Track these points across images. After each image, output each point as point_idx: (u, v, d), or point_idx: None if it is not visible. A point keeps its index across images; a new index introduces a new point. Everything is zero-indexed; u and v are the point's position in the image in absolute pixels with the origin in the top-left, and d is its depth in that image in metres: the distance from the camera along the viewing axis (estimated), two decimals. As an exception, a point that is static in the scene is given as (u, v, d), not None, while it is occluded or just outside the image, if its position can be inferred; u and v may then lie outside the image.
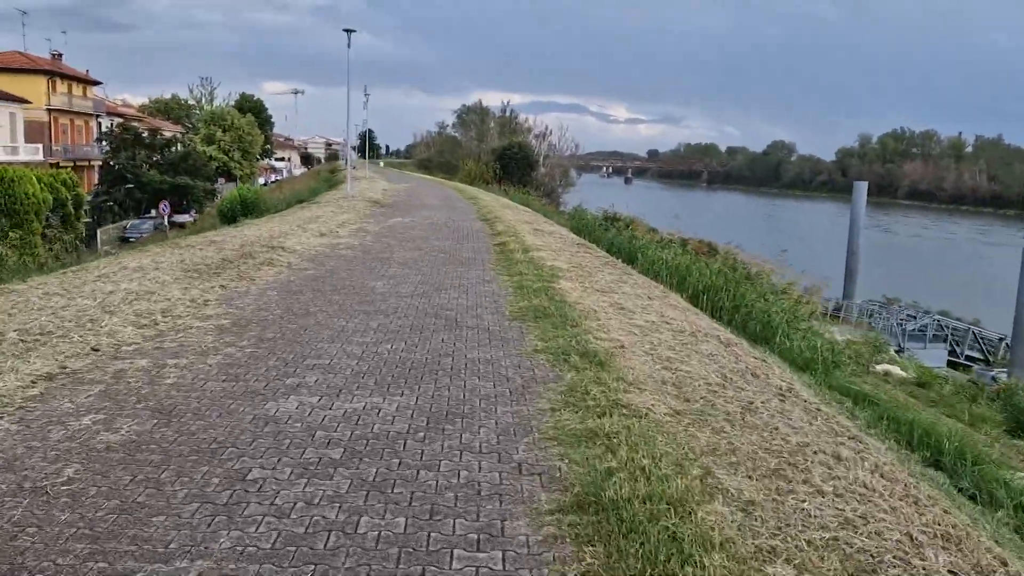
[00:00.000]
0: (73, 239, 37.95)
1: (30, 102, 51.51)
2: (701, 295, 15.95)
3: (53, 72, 55.35)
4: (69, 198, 38.04)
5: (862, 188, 40.55)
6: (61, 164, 55.94)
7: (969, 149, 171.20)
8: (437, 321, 9.29)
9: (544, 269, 13.48)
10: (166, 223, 36.86)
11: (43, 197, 35.48)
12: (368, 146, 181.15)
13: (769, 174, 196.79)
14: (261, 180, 79.30)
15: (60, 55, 58.21)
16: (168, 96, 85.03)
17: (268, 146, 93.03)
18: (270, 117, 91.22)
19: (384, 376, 6.87)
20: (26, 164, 49.57)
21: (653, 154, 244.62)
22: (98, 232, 45.14)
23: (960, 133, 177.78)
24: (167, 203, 37.82)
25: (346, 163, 36.95)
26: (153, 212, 54.50)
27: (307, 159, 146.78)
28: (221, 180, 75.20)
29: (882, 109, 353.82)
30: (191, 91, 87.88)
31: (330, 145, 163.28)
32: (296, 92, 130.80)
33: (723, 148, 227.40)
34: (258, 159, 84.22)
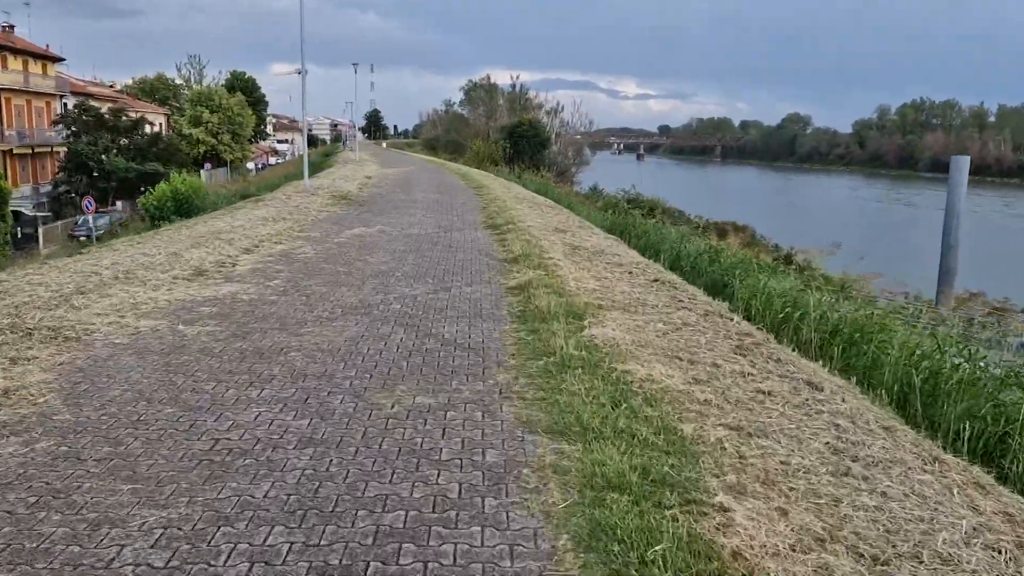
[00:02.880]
0: (-10, 243, 29.86)
1: (-28, 80, 43.33)
2: (913, 396, 7.74)
3: (1, 46, 46.99)
4: (-17, 193, 30.01)
5: (963, 165, 31.39)
6: (15, 151, 47.90)
7: (992, 119, 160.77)
8: None
9: (632, 390, 5.30)
10: (91, 223, 28.71)
11: (-58, 193, 27.49)
12: (375, 127, 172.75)
13: (784, 148, 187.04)
14: (250, 165, 71.23)
15: (11, 27, 49.72)
16: (153, 76, 76.37)
17: (262, 127, 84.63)
18: (263, 96, 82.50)
19: None
20: (-34, 152, 41.58)
21: (664, 130, 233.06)
22: (39, 230, 37.09)
23: (982, 102, 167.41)
24: (91, 199, 29.55)
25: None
26: (119, 205, 46.51)
27: (311, 141, 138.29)
28: (207, 165, 67.09)
29: (900, 82, 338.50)
30: (179, 70, 79.26)
31: (335, 126, 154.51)
32: (300, 72, 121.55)
33: (736, 123, 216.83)
34: (250, 141, 75.87)
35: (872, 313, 10.24)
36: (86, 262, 10.18)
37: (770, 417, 5.15)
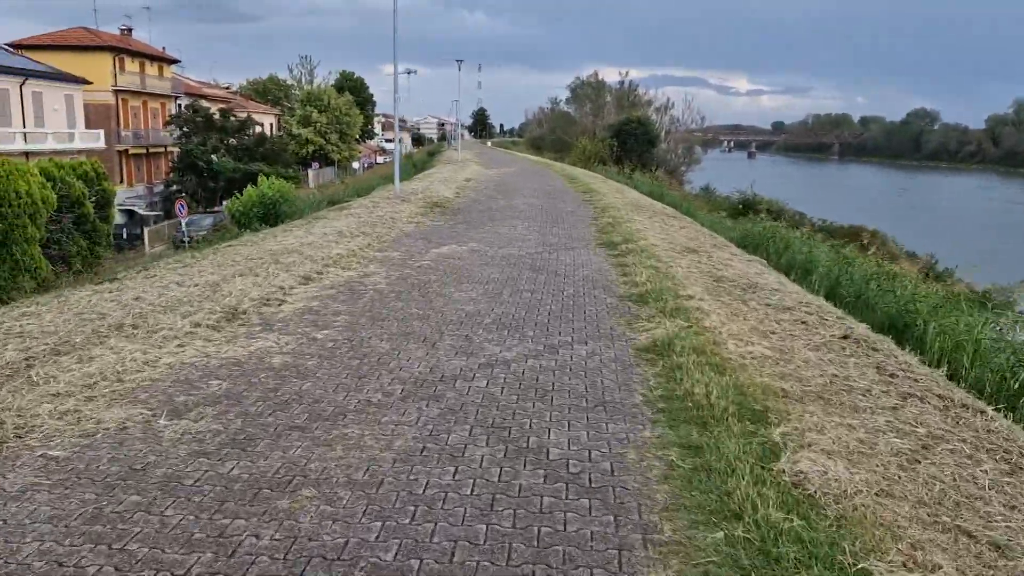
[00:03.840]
0: (89, 245, 29.20)
1: (90, 82, 43.70)
2: None
3: (120, 49, 47.49)
4: (87, 194, 29.37)
5: None
6: (130, 151, 48.50)
7: None
8: None
9: None
10: (183, 226, 27.59)
11: (44, 195, 26.85)
12: (481, 125, 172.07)
13: (908, 145, 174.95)
14: (356, 165, 70.72)
15: (129, 31, 50.38)
16: (263, 76, 77.15)
17: (369, 127, 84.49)
18: (371, 96, 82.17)
19: None
20: (82, 152, 42.03)
21: (778, 126, 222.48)
22: (144, 231, 36.70)
23: None
24: (183, 203, 28.53)
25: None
26: (221, 205, 46.25)
27: (419, 140, 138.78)
28: (315, 164, 67.05)
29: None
30: (291, 71, 79.85)
31: (442, 125, 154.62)
32: (409, 72, 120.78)
33: (855, 118, 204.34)
34: (358, 141, 75.61)
35: None
36: (104, 295, 8.06)
37: None
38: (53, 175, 29.47)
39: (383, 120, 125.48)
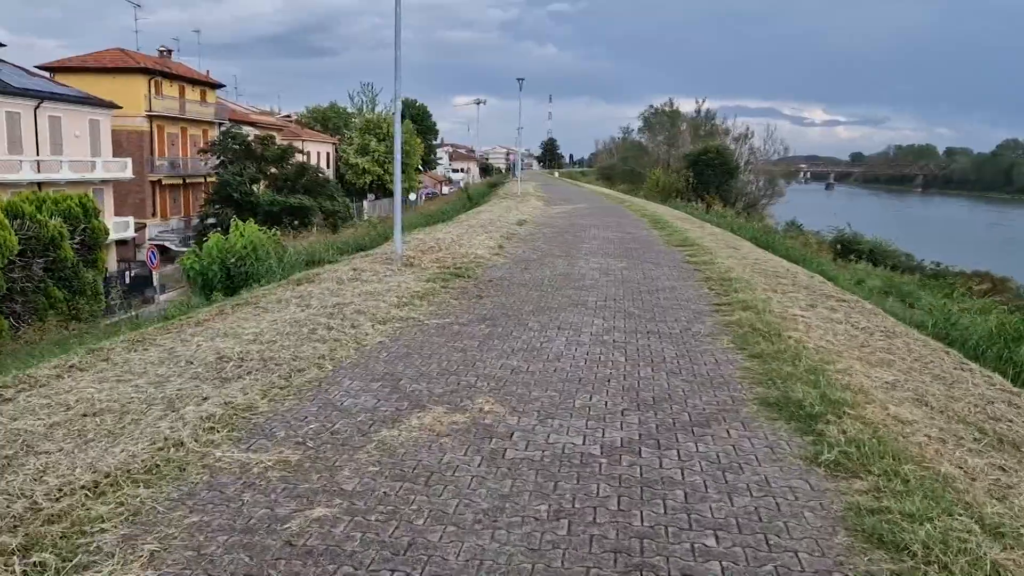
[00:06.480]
0: (67, 296, 23.45)
1: (119, 106, 38.86)
2: None
3: (156, 71, 42.73)
4: (64, 235, 23.75)
5: None
6: (164, 181, 43.55)
7: None
8: None
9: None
10: (155, 281, 21.59)
11: (1, 237, 21.47)
12: (551, 156, 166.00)
13: (998, 178, 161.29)
14: (412, 196, 64.93)
15: (169, 52, 45.72)
16: (326, 105, 72.41)
17: (431, 156, 78.89)
18: (434, 125, 76.70)
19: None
20: (107, 182, 37.04)
21: (856, 157, 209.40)
22: (154, 275, 31.05)
23: None
24: (155, 251, 22.54)
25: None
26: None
27: (486, 170, 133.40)
28: (370, 196, 61.59)
29: None
30: (352, 98, 75.01)
31: (509, 155, 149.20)
32: (479, 102, 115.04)
33: (939, 150, 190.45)
34: (418, 171, 69.99)
35: None
36: None
37: None
38: (21, 211, 24.03)
39: (451, 150, 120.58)
